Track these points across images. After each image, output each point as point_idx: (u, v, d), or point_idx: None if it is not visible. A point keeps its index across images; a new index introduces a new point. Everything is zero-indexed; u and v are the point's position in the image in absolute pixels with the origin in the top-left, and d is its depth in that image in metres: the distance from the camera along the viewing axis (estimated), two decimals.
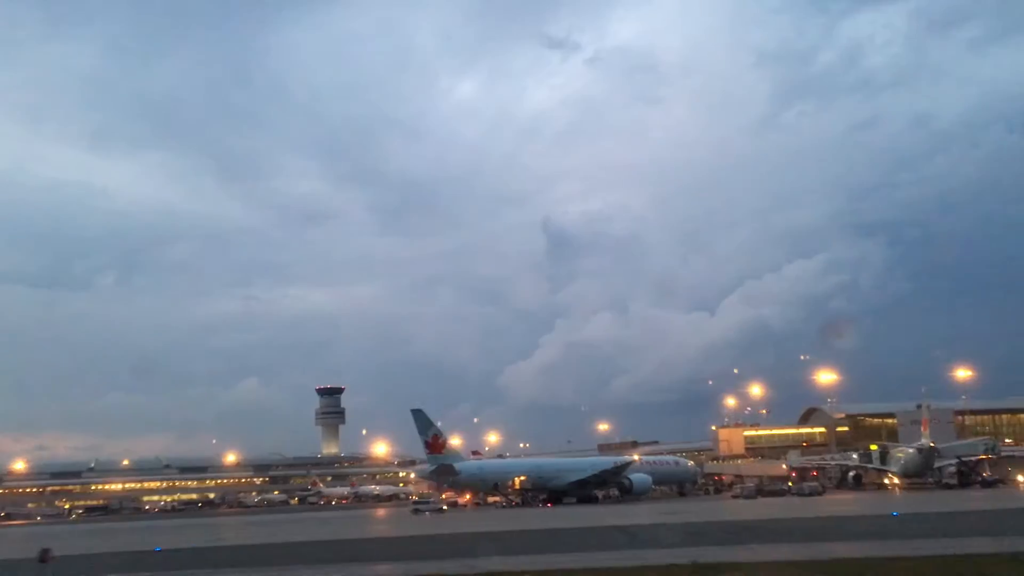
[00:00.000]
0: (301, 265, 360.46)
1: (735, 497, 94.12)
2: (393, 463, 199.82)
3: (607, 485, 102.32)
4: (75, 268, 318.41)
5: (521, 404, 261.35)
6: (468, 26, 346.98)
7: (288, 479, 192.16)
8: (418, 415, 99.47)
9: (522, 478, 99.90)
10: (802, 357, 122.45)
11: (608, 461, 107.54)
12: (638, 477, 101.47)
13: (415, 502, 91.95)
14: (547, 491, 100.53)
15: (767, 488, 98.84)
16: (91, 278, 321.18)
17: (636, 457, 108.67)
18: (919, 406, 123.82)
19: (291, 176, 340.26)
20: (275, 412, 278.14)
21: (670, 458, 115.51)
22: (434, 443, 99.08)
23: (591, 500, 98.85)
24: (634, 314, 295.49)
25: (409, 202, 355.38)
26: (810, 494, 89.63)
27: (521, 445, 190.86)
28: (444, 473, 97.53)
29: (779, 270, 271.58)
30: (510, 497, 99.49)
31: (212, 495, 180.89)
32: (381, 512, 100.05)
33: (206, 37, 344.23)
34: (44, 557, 28.01)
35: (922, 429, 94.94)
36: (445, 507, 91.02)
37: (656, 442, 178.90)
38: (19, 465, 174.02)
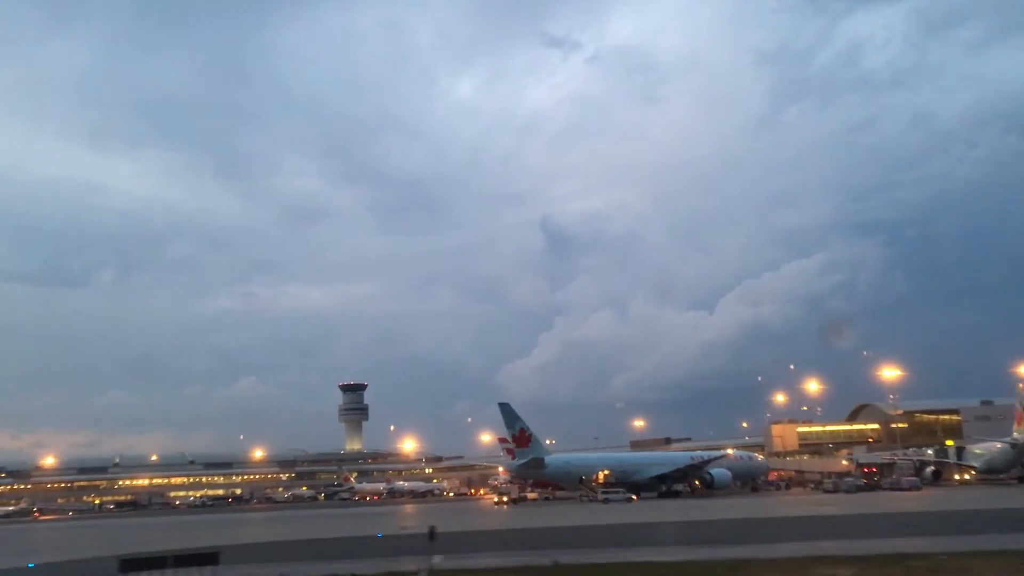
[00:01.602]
0: (300, 263, 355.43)
1: (829, 491, 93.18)
2: (421, 460, 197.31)
3: (687, 479, 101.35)
4: (73, 265, 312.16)
5: (520, 402, 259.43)
6: (467, 25, 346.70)
7: (313, 475, 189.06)
8: (505, 409, 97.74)
9: (606, 472, 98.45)
10: (864, 354, 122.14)
11: (685, 456, 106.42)
12: (719, 472, 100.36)
13: (604, 491, 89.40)
14: (627, 485, 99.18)
15: (856, 484, 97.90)
16: (89, 275, 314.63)
17: (730, 451, 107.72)
18: (983, 402, 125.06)
19: (290, 174, 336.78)
20: (279, 409, 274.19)
21: (744, 453, 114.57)
22: (520, 437, 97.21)
23: (671, 495, 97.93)
24: (634, 312, 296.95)
25: (408, 200, 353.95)
26: (909, 488, 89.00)
27: (548, 441, 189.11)
28: (534, 466, 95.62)
29: (778, 269, 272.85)
30: (594, 491, 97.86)
31: (239, 491, 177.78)
32: (484, 504, 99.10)
33: (206, 36, 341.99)
34: (432, 534, 27.17)
35: (1016, 424, 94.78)
36: (634, 496, 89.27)
37: (688, 439, 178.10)
38: (49, 460, 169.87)
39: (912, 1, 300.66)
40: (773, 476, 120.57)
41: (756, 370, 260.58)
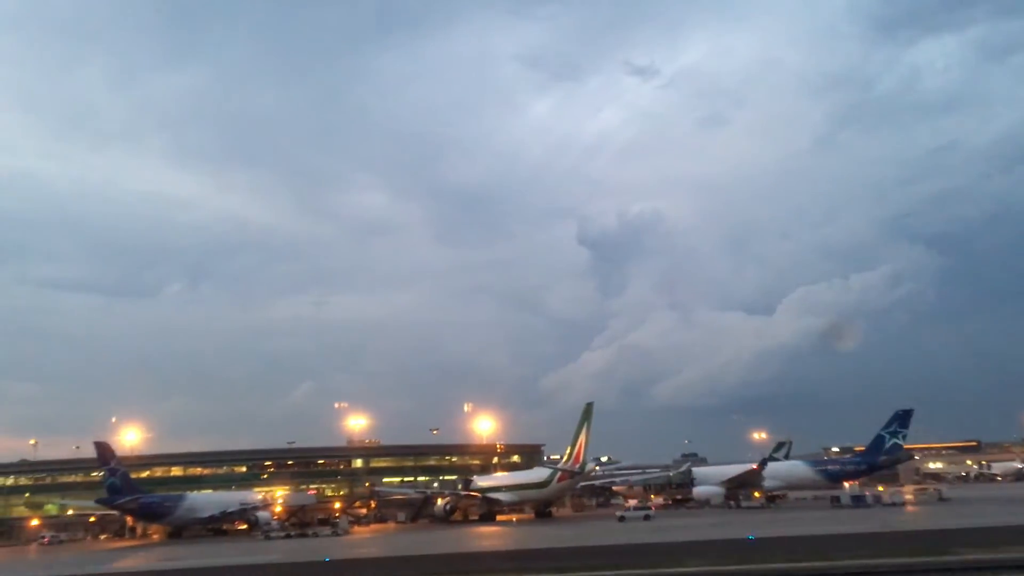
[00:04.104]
0: (362, 274, 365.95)
1: None
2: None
3: None
4: (146, 277, 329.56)
5: (568, 409, 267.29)
6: (555, 52, 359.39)
7: None
8: None
9: None
10: None
11: None
12: None
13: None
14: None
15: None
16: (160, 286, 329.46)
17: None
18: None
19: (360, 191, 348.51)
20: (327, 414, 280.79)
21: None
22: None
23: None
24: (682, 321, 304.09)
25: (469, 216, 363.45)
26: None
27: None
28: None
29: (831, 281, 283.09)
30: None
31: None
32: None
33: (301, 67, 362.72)
34: None
35: None
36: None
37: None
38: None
39: (973, 30, 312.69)
40: None
41: (807, 379, 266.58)
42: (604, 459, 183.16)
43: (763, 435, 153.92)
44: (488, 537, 74.34)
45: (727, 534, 56.74)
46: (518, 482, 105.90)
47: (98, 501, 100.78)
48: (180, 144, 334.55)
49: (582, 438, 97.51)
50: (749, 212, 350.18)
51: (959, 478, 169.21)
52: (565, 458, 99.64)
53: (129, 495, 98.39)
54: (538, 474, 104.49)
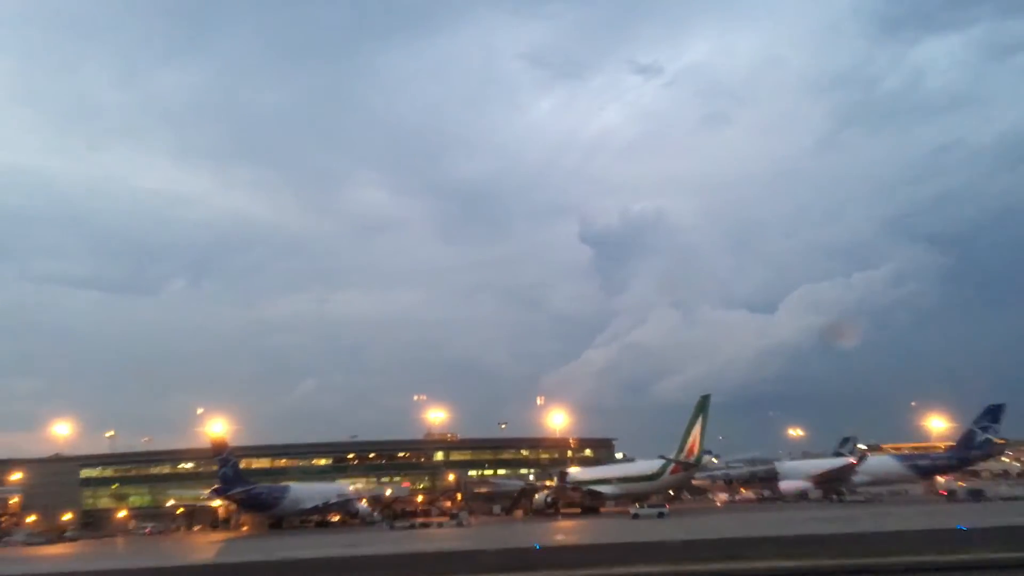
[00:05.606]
0: (364, 271, 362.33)
1: None
2: None
3: None
4: (148, 274, 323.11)
5: (571, 407, 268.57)
6: (559, 50, 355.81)
7: None
8: None
9: None
10: None
11: None
12: None
13: None
14: None
15: None
16: (161, 284, 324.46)
17: None
18: None
19: (363, 188, 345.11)
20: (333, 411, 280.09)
21: None
22: None
23: None
24: (684, 319, 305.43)
25: (472, 213, 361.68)
26: None
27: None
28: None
29: (834, 279, 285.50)
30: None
31: None
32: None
33: (305, 64, 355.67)
34: None
35: None
36: None
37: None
38: None
39: (977, 28, 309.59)
40: None
41: (812, 378, 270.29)
42: (619, 456, 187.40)
43: (796, 432, 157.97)
44: (638, 528, 75.13)
45: (928, 524, 57.99)
46: (626, 474, 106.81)
47: (213, 491, 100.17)
48: (183, 141, 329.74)
49: (696, 430, 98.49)
50: (752, 211, 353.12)
51: (995, 476, 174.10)
52: (677, 451, 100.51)
53: (240, 486, 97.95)
54: (649, 466, 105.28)
